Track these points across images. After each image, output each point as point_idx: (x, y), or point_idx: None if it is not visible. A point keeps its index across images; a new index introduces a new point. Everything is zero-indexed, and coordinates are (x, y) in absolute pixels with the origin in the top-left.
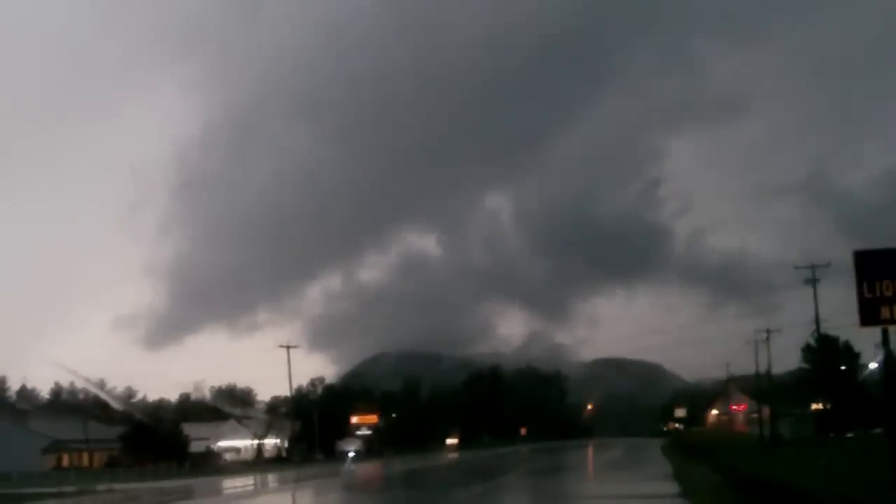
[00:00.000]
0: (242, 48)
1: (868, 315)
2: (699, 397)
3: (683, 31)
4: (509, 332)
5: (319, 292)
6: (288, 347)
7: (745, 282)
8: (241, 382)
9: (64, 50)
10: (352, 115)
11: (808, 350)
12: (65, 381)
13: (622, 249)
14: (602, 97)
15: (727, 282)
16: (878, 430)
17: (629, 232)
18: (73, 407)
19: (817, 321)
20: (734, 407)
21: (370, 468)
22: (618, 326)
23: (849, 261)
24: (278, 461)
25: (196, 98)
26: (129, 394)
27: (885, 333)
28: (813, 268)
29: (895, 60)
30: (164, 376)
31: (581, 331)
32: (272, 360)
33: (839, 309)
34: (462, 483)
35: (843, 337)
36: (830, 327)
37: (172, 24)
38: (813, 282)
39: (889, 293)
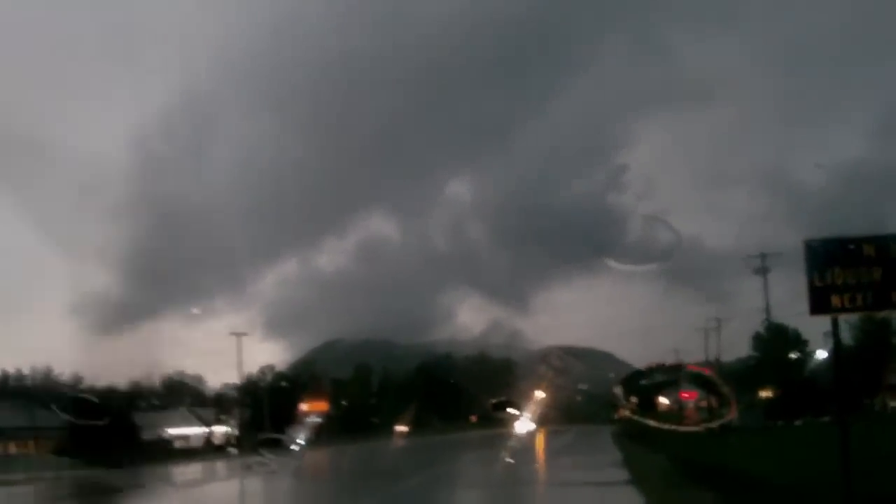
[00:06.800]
0: (202, 34)
1: (818, 304)
2: (649, 385)
3: (652, 19)
4: (467, 319)
5: (276, 279)
6: (238, 335)
7: (700, 270)
8: (194, 370)
9: (17, 32)
10: (313, 101)
11: (758, 338)
12: (11, 368)
13: (580, 237)
14: (568, 84)
15: (682, 270)
16: (826, 418)
17: (589, 220)
18: (20, 394)
19: (767, 310)
20: (684, 394)
21: (315, 455)
22: (571, 314)
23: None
24: (227, 449)
25: (154, 84)
26: (77, 381)
27: (834, 322)
28: (763, 256)
29: (864, 51)
30: (114, 364)
31: (537, 318)
32: (226, 347)
33: (791, 297)
34: (398, 469)
35: (793, 325)
36: (781, 316)
37: (132, 8)
38: (763, 270)
39: (839, 282)
